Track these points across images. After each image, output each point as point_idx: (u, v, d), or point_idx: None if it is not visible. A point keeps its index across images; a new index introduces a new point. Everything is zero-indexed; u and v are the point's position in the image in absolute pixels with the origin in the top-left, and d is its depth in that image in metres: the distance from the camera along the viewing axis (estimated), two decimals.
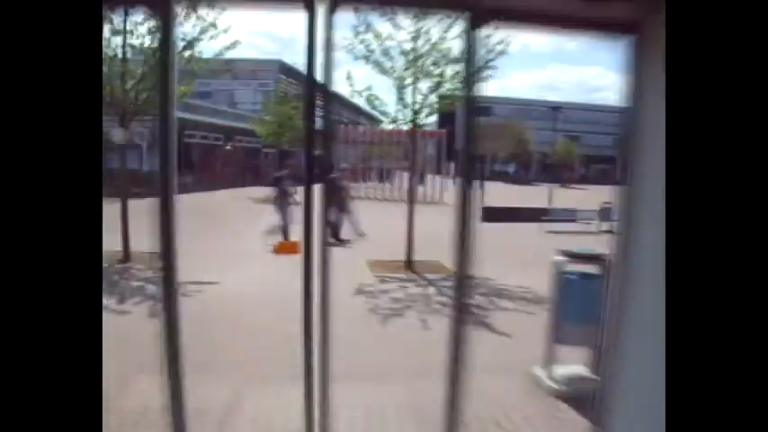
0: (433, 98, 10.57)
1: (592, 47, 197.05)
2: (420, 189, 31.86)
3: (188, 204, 22.34)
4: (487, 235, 14.14)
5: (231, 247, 12.81)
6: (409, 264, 10.64)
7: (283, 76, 46.79)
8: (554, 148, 67.20)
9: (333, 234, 14.26)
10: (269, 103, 31.47)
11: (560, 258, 5.03)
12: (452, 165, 52.15)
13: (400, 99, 10.49)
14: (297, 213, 13.04)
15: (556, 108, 38.36)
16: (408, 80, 10.27)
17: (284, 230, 13.35)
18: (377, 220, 20.62)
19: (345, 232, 14.10)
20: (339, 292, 8.42)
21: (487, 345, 6.28)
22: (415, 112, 10.51)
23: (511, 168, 72.06)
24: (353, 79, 10.86)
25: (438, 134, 36.11)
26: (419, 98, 10.45)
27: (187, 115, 33.83)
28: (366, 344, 6.36)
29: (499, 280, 9.66)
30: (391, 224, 18.47)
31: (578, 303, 4.90)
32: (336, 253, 11.99)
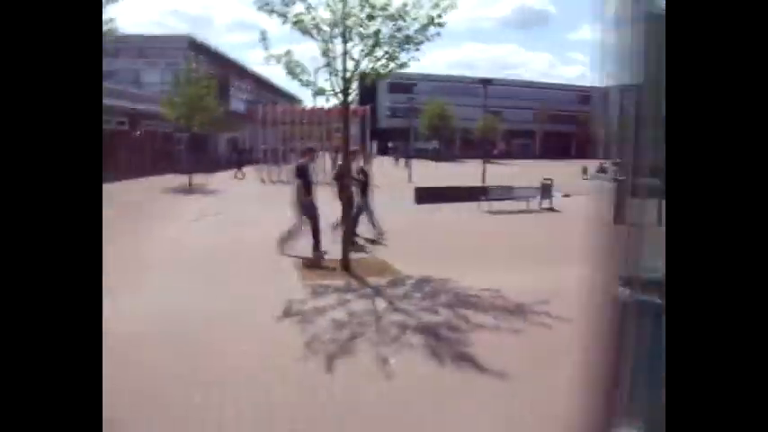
0: (366, 64, 8.70)
1: (505, 25, 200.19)
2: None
3: None
4: (424, 219, 12.06)
5: (128, 254, 10.62)
6: (346, 263, 8.80)
7: (193, 54, 43.69)
8: (476, 123, 66.81)
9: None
10: (178, 84, 28.70)
11: (623, 289, 3.25)
12: (375, 144, 50.75)
13: (327, 65, 8.58)
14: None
15: (486, 81, 37.05)
16: (337, 41, 8.39)
17: (315, 236, 9.96)
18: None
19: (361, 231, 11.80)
20: (262, 314, 6.62)
21: (487, 397, 4.57)
22: (346, 81, 8.62)
23: (432, 145, 71.37)
24: (269, 42, 8.83)
25: (360, 111, 34.33)
26: (350, 64, 8.59)
27: None
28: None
29: (457, 280, 8.01)
30: (320, 210, 16.84)
31: (654, 358, 3.15)
32: (254, 251, 10.17)
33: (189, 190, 24.83)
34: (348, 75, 8.63)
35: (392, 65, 8.68)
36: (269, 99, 61.04)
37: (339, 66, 8.55)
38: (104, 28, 9.08)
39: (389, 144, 68.05)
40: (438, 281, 8.08)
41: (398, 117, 74.17)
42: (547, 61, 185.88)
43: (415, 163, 36.10)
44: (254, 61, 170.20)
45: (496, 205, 17.69)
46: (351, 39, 8.41)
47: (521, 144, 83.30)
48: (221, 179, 30.53)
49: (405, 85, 72.93)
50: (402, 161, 47.45)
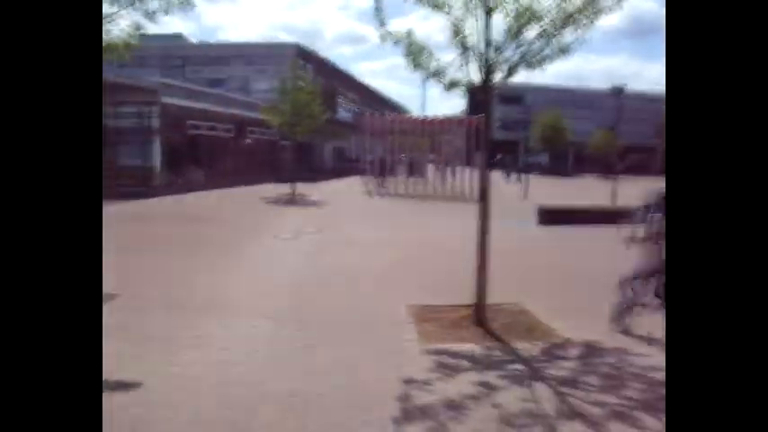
0: (512, 50, 6.44)
1: (616, 35, 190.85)
2: (452, 183, 28.13)
3: (177, 208, 18.63)
4: (558, 247, 9.21)
5: (207, 287, 8.85)
6: (479, 314, 6.54)
7: (300, 62, 42.75)
8: (591, 137, 62.83)
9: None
10: (284, 91, 27.46)
11: None
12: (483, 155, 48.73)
13: (463, 49, 6.41)
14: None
15: (618, 91, 33.18)
16: (477, 14, 6.18)
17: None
18: (414, 224, 16.04)
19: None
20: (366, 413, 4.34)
21: None
22: (488, 69, 6.39)
23: (543, 159, 67.58)
24: (384, 14, 6.72)
25: (474, 122, 31.95)
26: (492, 51, 6.35)
27: (191, 103, 30.11)
28: None
29: (644, 352, 5.57)
30: (435, 232, 14.16)
31: None
32: (356, 288, 6.25)
33: (290, 201, 23.39)
34: (491, 61, 6.39)
35: (549, 49, 6.35)
36: (375, 109, 59.84)
37: (481, 49, 6.34)
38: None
39: (497, 156, 65.09)
40: (613, 352, 5.64)
41: (507, 129, 71.00)
42: (662, 71, 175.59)
43: (530, 179, 33.22)
44: (362, 72, 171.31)
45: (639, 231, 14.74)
46: (493, 10, 6.17)
47: (639, 160, 77.73)
48: (325, 189, 29.05)
49: (515, 97, 69.94)
50: (513, 176, 44.66)
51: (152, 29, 7.35)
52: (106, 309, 6.82)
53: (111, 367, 4.75)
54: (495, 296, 6.79)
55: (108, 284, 7.56)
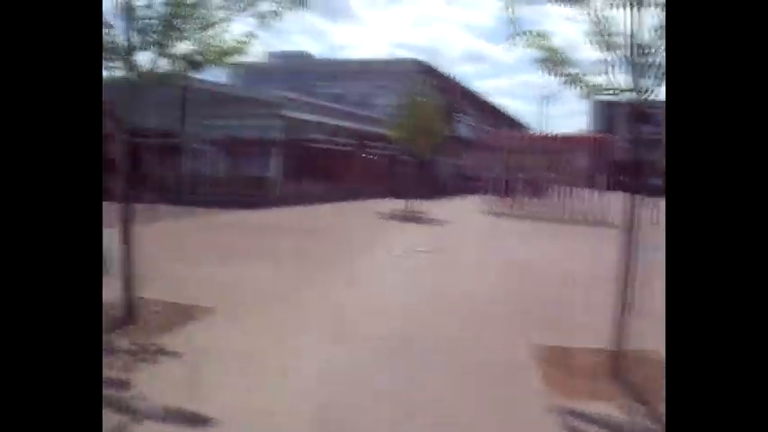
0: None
1: None
2: (577, 205, 26.50)
3: (293, 219, 18.51)
4: None
5: (309, 303, 8.30)
6: (617, 363, 5.48)
7: (420, 78, 42.42)
8: None
9: None
10: (404, 106, 27.13)
11: None
12: (609, 176, 46.46)
13: (608, 48, 5.42)
14: None
15: None
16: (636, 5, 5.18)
17: None
18: (538, 249, 14.71)
19: None
20: None
21: None
22: (637, 72, 5.34)
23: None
24: (515, 11, 5.81)
25: (600, 140, 30.24)
26: (643, 51, 5.33)
27: (312, 117, 30.42)
28: None
29: None
30: (563, 260, 12.87)
31: None
32: (471, 320, 5.86)
33: (404, 216, 22.79)
34: (650, 59, 5.34)
35: None
36: (496, 126, 58.40)
37: (631, 49, 5.34)
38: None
39: (620, 178, 61.53)
40: None
41: (633, 149, 66.99)
42: None
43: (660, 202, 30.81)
44: (482, 90, 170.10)
45: None
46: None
47: None
48: (443, 207, 28.28)
49: (643, 113, 65.95)
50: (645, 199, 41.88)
51: (279, 46, 7.09)
52: (199, 323, 6.44)
53: (185, 394, 4.41)
54: (636, 340, 5.68)
55: (206, 297, 7.33)
